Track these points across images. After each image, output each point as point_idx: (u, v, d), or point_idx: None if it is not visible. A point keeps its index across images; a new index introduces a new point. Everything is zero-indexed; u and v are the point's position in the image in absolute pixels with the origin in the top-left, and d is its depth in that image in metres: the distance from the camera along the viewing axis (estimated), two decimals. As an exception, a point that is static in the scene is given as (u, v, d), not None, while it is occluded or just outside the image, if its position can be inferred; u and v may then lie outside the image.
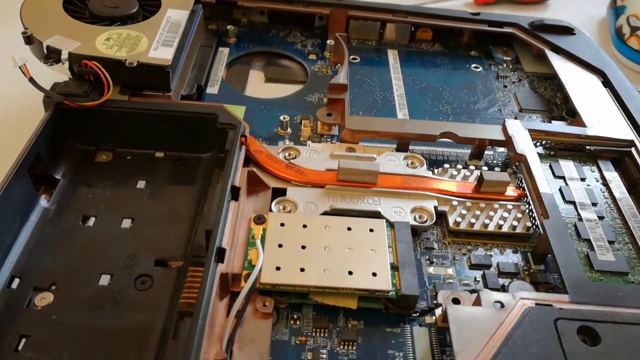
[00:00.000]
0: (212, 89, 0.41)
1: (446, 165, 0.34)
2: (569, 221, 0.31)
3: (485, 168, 0.35)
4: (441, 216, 0.32)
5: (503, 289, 0.29)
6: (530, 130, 0.35)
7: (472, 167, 0.34)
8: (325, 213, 0.31)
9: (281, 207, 0.31)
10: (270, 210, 0.31)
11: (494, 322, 0.25)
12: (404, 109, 0.41)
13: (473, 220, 0.31)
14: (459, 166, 0.34)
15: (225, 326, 0.25)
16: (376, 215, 0.31)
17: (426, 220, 0.31)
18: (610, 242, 0.31)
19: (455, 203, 0.32)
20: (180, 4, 0.39)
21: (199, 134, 0.33)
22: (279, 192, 0.32)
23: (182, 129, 0.33)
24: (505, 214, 0.32)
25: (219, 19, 0.48)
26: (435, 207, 0.32)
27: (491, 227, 0.31)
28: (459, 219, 0.31)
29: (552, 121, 0.40)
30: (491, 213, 0.31)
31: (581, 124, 0.37)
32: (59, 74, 0.33)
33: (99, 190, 0.31)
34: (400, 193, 0.32)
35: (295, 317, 0.27)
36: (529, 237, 0.32)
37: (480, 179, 0.32)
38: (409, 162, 0.34)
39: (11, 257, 0.27)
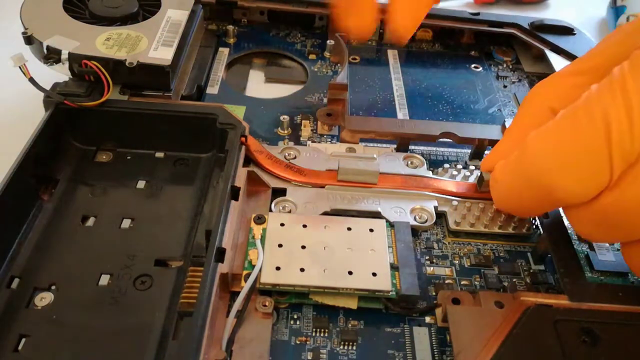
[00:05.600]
0: (212, 89, 0.41)
1: (446, 165, 0.34)
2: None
3: (485, 168, 0.35)
4: (441, 216, 0.32)
5: (503, 289, 0.29)
6: (530, 130, 0.35)
7: (472, 167, 0.34)
8: (325, 213, 0.31)
9: (281, 207, 0.31)
10: (270, 210, 0.31)
11: (494, 322, 0.25)
12: (404, 109, 0.41)
13: (473, 220, 0.31)
14: (459, 166, 0.34)
15: (225, 326, 0.25)
16: (376, 215, 0.31)
17: (426, 220, 0.31)
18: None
19: (455, 203, 0.32)
20: (180, 4, 0.39)
21: (199, 134, 0.33)
22: (279, 192, 0.32)
23: (182, 129, 0.33)
24: (504, 215, 0.31)
25: (219, 19, 0.47)
26: (436, 207, 0.32)
27: (491, 227, 0.31)
28: (459, 219, 0.31)
29: (552, 121, 0.40)
30: (491, 213, 0.31)
31: (581, 124, 0.37)
32: (59, 74, 0.33)
33: (99, 190, 0.31)
34: (400, 193, 0.32)
35: (295, 317, 0.27)
36: (529, 237, 0.32)
37: (480, 179, 0.32)
38: (409, 162, 0.34)
39: (11, 257, 0.27)
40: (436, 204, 0.32)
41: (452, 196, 0.32)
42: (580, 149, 0.22)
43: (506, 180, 0.26)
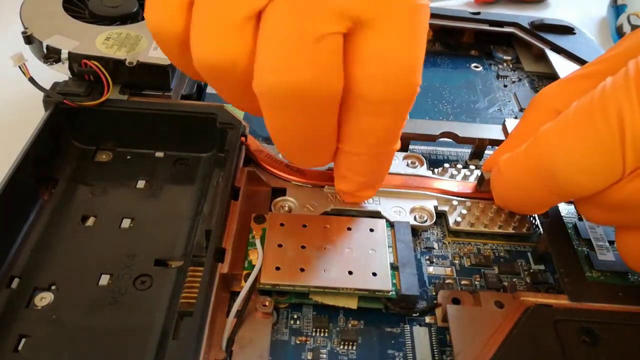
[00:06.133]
0: (212, 89, 0.40)
1: (446, 165, 0.34)
2: (568, 221, 0.31)
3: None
4: (441, 216, 0.32)
5: (503, 289, 0.29)
6: (530, 130, 0.35)
7: (472, 167, 0.34)
8: (325, 213, 0.31)
9: (281, 207, 0.31)
10: (270, 210, 0.31)
11: (494, 322, 0.25)
12: (404, 108, 0.41)
13: (473, 220, 0.31)
14: (459, 166, 0.34)
15: (225, 326, 0.25)
16: (376, 215, 0.31)
17: (426, 220, 0.31)
18: (611, 242, 0.30)
19: (455, 203, 0.32)
20: (180, 4, 0.38)
21: (199, 133, 0.33)
22: (279, 192, 0.32)
23: (182, 128, 0.33)
24: (504, 216, 0.31)
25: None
26: (435, 207, 0.32)
27: (491, 227, 0.31)
28: (459, 219, 0.31)
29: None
30: (491, 213, 0.31)
31: (581, 123, 0.37)
32: (59, 73, 0.33)
33: (99, 190, 0.31)
34: (400, 193, 0.32)
35: (295, 317, 0.27)
36: (529, 237, 0.32)
37: (480, 179, 0.32)
38: (409, 161, 0.34)
39: (11, 257, 0.27)
40: (436, 204, 0.32)
41: (452, 196, 0.32)
42: (593, 144, 0.22)
43: (512, 173, 0.26)
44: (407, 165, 0.34)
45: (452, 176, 0.34)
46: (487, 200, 0.32)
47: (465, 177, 0.33)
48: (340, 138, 0.26)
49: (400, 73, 0.23)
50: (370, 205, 0.31)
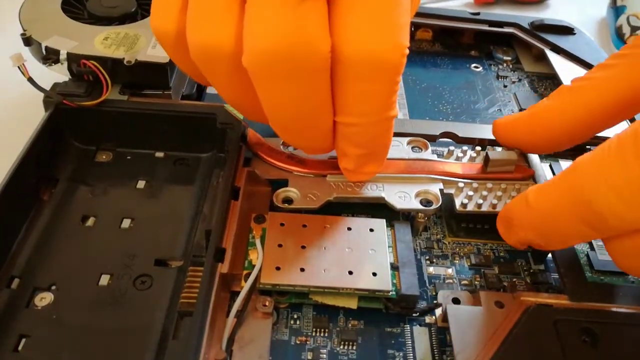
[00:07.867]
0: (212, 89, 0.40)
1: (452, 148, 0.34)
2: (569, 221, 0.31)
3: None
4: (441, 216, 0.32)
5: (503, 289, 0.29)
6: (530, 130, 0.35)
7: (478, 148, 0.33)
8: (328, 202, 0.30)
9: (282, 198, 0.30)
10: (272, 201, 0.30)
11: (494, 322, 0.25)
12: (404, 109, 0.41)
13: (480, 201, 0.30)
14: (465, 147, 0.34)
15: (225, 326, 0.25)
16: (380, 201, 0.30)
17: (432, 204, 0.31)
18: (611, 242, 0.30)
19: (461, 185, 0.31)
20: (180, 4, 0.38)
21: (199, 133, 0.33)
22: (280, 185, 0.31)
23: (182, 128, 0.33)
24: (514, 194, 0.31)
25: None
26: (441, 190, 0.31)
27: (499, 208, 0.30)
28: (465, 201, 0.31)
29: (552, 121, 0.40)
30: (499, 193, 0.31)
31: (581, 123, 0.37)
32: (60, 74, 0.33)
33: (99, 190, 0.31)
34: (404, 178, 0.31)
35: (295, 317, 0.27)
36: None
37: (486, 159, 0.31)
38: (413, 146, 0.34)
39: (11, 257, 0.27)
40: (442, 187, 0.31)
41: (458, 178, 0.31)
42: (636, 175, 0.21)
43: (545, 204, 0.25)
44: (412, 150, 0.33)
45: (457, 158, 0.33)
46: (494, 181, 0.31)
47: (472, 159, 0.33)
48: (335, 112, 0.26)
49: (383, 34, 0.23)
50: (374, 191, 0.31)
